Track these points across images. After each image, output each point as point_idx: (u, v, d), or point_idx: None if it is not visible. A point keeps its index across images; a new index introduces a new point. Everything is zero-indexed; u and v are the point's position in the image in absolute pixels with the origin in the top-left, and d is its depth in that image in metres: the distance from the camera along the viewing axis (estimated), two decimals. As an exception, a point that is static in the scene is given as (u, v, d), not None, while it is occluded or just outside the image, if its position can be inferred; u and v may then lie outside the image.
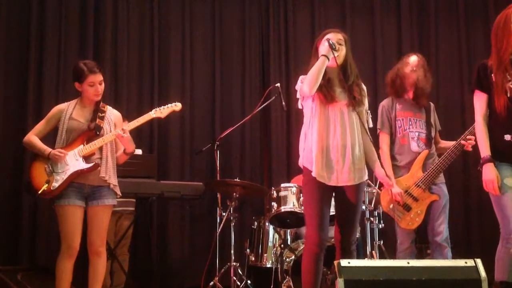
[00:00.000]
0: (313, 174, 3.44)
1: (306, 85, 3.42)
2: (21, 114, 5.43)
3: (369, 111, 3.68)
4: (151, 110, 4.05)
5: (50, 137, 4.01)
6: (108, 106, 4.08)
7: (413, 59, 4.32)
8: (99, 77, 3.93)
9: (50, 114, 3.99)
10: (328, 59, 3.43)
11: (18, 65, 5.55)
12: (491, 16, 6.37)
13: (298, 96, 3.63)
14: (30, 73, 5.50)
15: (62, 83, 5.56)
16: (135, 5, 6.06)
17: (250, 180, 5.57)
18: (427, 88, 4.31)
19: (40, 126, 4.00)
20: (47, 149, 3.85)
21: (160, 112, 4.04)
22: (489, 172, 3.30)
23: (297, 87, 3.61)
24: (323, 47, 3.50)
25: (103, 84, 3.97)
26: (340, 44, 3.53)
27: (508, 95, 3.30)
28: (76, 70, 3.93)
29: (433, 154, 4.28)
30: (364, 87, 3.67)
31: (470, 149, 4.09)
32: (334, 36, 3.56)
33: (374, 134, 3.69)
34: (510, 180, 3.27)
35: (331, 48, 3.44)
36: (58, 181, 3.79)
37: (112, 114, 4.07)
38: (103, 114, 3.98)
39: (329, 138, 3.47)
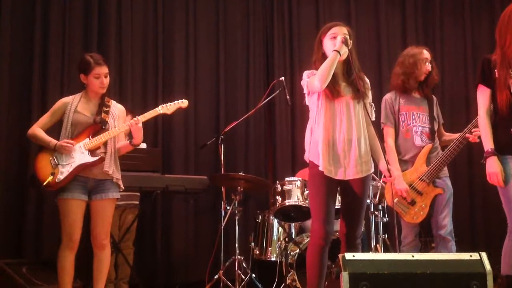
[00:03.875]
0: (320, 168, 3.43)
1: (317, 81, 3.40)
2: (25, 108, 5.42)
3: (372, 104, 3.67)
4: (155, 105, 4.08)
5: (54, 130, 4.02)
6: (112, 101, 4.10)
7: (426, 53, 4.28)
8: (104, 69, 3.94)
9: (55, 107, 4.00)
10: (340, 54, 3.42)
11: (22, 60, 5.52)
12: (497, 10, 6.36)
13: (305, 91, 3.62)
14: (35, 68, 5.48)
15: (67, 78, 5.55)
16: (139, -1, 6.07)
17: (254, 174, 5.57)
18: (437, 79, 4.33)
19: (45, 118, 4.01)
20: (52, 141, 3.86)
21: (167, 108, 4.05)
22: (492, 165, 3.33)
23: (303, 82, 3.60)
24: (334, 42, 3.48)
25: (108, 77, 3.98)
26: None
27: (511, 91, 3.30)
28: (83, 62, 3.95)
29: (437, 148, 4.27)
30: (367, 80, 3.67)
31: (477, 140, 4.04)
32: (339, 30, 3.55)
33: (377, 128, 3.68)
34: None
35: (345, 45, 3.43)
36: (63, 173, 3.80)
37: (116, 108, 4.08)
38: (107, 109, 4.00)
39: (336, 132, 3.47)
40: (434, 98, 4.39)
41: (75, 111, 3.92)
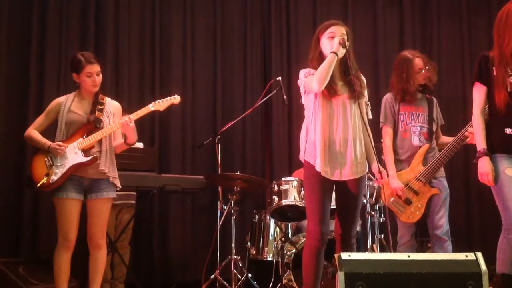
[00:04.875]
0: (317, 169, 3.43)
1: (315, 82, 3.39)
2: (23, 108, 5.42)
3: (368, 103, 3.67)
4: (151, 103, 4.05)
5: (51, 131, 4.01)
6: (107, 98, 4.07)
7: (419, 61, 4.26)
8: (96, 67, 3.93)
9: (49, 108, 4.00)
10: (338, 56, 3.42)
11: (19, 59, 5.52)
12: (494, 9, 6.33)
13: (301, 91, 3.61)
14: (31, 67, 5.48)
15: (63, 77, 5.53)
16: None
17: (251, 173, 5.55)
18: (436, 79, 4.33)
19: (40, 119, 4.01)
20: (47, 142, 3.86)
21: (159, 105, 4.03)
22: (484, 165, 3.36)
23: (300, 82, 3.59)
24: (332, 44, 3.46)
25: (100, 75, 3.97)
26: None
27: (509, 90, 3.30)
28: (74, 61, 3.94)
29: (434, 148, 4.28)
30: (364, 79, 3.67)
31: (474, 141, 4.05)
32: (338, 30, 3.53)
33: (373, 126, 3.68)
34: (511, 171, 3.29)
35: (343, 47, 3.42)
36: (57, 174, 3.80)
37: (111, 105, 4.06)
38: (102, 106, 3.98)
39: (332, 132, 3.47)
40: (434, 99, 4.39)
41: (68, 110, 3.91)
